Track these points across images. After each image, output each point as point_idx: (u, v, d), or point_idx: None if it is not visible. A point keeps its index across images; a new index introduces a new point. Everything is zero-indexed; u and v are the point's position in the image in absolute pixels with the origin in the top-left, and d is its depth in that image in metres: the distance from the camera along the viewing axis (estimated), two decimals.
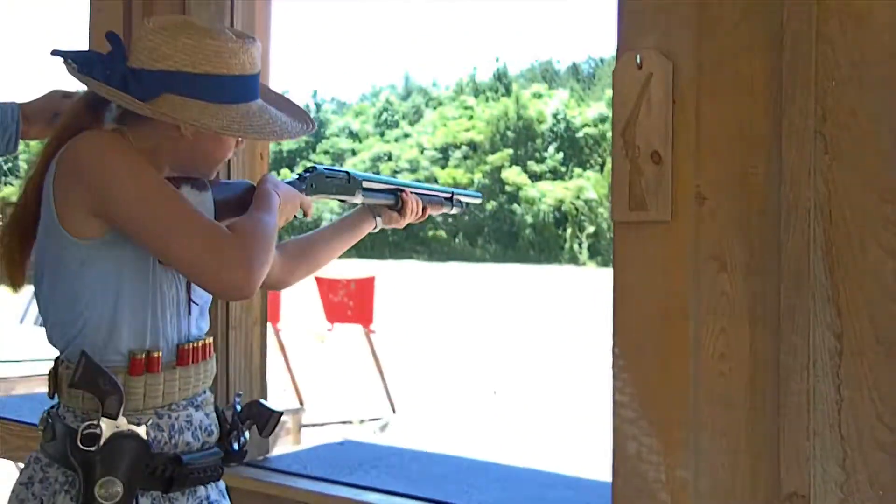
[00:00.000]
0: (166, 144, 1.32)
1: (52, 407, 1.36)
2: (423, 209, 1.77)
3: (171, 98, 1.25)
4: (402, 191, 1.73)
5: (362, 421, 7.41)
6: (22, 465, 1.40)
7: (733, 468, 1.24)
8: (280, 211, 1.42)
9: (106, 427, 1.25)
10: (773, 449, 1.21)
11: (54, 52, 1.31)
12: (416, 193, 1.76)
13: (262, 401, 1.50)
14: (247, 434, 1.44)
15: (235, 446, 1.42)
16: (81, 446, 1.24)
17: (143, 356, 1.29)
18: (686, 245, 1.26)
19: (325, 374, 9.41)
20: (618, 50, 1.31)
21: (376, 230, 1.74)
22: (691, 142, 1.25)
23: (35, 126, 1.64)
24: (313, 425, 6.56)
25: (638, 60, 1.27)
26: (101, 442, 1.24)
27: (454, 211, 1.89)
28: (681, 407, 1.26)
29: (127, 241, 1.27)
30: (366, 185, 1.66)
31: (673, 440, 1.27)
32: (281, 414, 1.53)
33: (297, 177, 1.58)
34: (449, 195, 1.87)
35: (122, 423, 1.26)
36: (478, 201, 1.99)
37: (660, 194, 1.26)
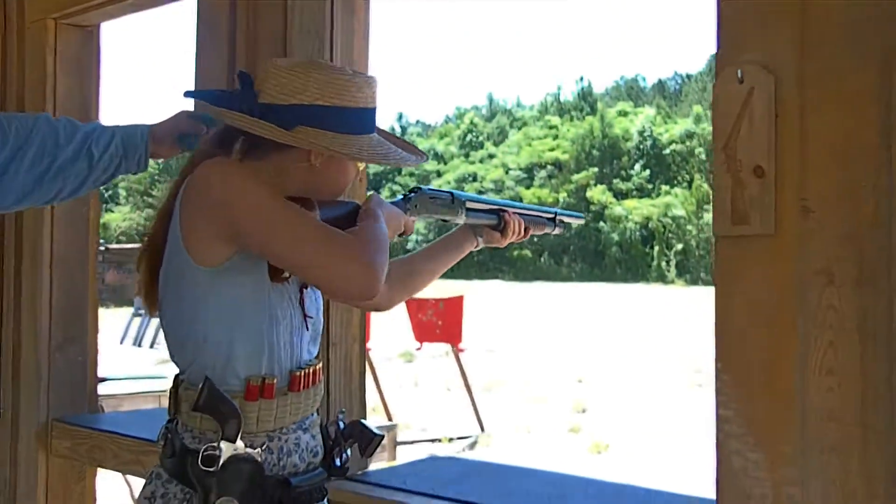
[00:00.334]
0: (296, 175, 1.38)
1: (170, 422, 1.41)
2: (525, 229, 1.78)
3: (304, 129, 1.32)
4: (505, 211, 1.74)
5: (451, 439, 7.43)
6: (131, 478, 1.47)
7: (844, 486, 1.21)
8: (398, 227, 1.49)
9: (225, 449, 1.30)
10: (889, 468, 1.17)
11: (187, 94, 1.41)
12: (518, 214, 1.77)
13: (364, 422, 1.54)
14: (349, 451, 1.48)
15: (338, 462, 1.45)
16: (201, 466, 1.30)
17: (259, 382, 1.34)
18: (791, 258, 1.24)
19: (413, 393, 9.48)
20: (717, 65, 1.30)
21: (478, 248, 1.75)
22: (795, 155, 1.23)
23: (163, 146, 1.72)
24: (403, 443, 6.61)
25: (739, 75, 1.26)
26: (220, 463, 1.30)
27: (556, 231, 1.88)
28: (788, 422, 1.24)
29: (244, 270, 1.33)
30: (469, 205, 1.68)
31: (780, 456, 1.25)
32: (382, 437, 1.57)
33: (401, 197, 1.62)
34: (552, 215, 1.87)
35: (240, 446, 1.31)
36: (581, 222, 1.97)
37: (763, 208, 1.25)
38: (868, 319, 1.19)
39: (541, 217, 1.85)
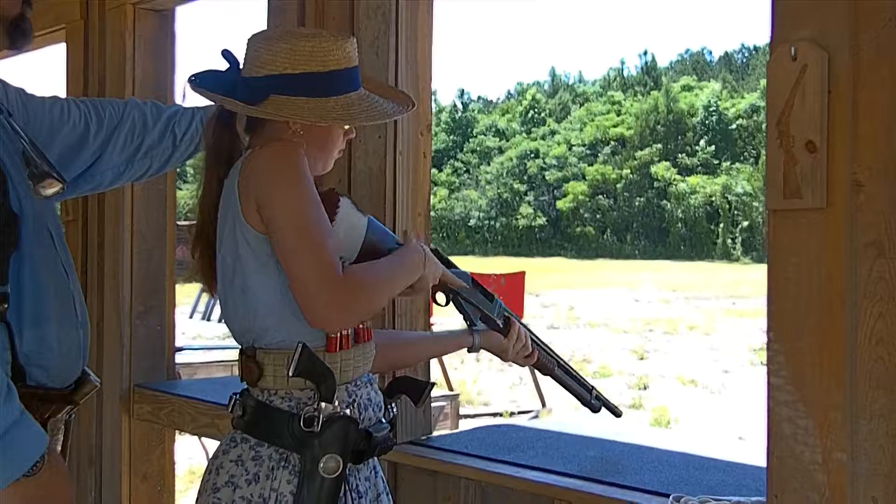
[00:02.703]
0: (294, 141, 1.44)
1: (246, 390, 1.45)
2: (533, 351, 1.76)
3: (276, 98, 1.39)
4: (513, 316, 1.74)
5: (512, 413, 7.51)
6: (206, 440, 1.54)
7: (892, 452, 1.25)
8: (414, 274, 1.51)
9: (324, 410, 1.37)
10: None
11: (193, 86, 1.48)
12: (554, 361, 1.80)
13: (408, 375, 1.60)
14: (394, 409, 1.56)
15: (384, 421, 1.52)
16: (303, 428, 1.37)
17: (338, 334, 1.41)
18: (842, 231, 1.27)
19: (475, 368, 9.58)
20: (772, 43, 1.33)
21: (474, 350, 1.73)
22: (847, 131, 1.26)
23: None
24: (465, 416, 6.71)
25: (793, 52, 1.29)
26: (320, 423, 1.37)
27: (591, 405, 1.90)
28: (838, 390, 1.28)
29: None
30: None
31: (829, 422, 1.29)
32: (433, 384, 1.66)
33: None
34: (590, 388, 1.89)
35: (337, 405, 1.38)
36: (616, 417, 1.97)
37: (815, 182, 1.28)
38: None
39: (577, 379, 1.86)
